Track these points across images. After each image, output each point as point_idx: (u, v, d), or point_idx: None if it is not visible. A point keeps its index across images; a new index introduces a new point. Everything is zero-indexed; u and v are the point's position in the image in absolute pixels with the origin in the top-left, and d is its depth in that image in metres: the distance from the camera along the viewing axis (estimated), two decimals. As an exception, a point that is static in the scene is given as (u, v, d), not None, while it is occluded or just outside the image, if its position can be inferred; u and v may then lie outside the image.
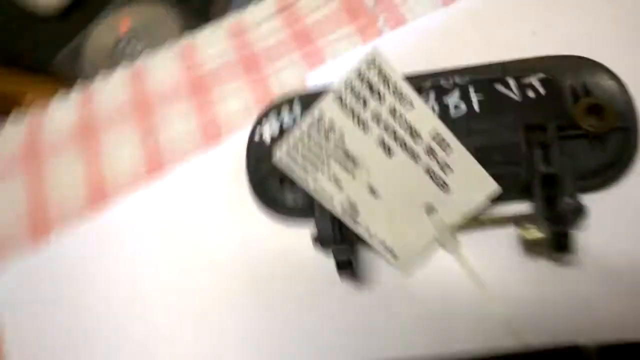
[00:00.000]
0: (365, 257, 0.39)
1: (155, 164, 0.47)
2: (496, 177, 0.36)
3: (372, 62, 0.31)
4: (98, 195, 0.46)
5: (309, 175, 0.33)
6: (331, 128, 0.32)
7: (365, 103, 0.32)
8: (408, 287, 0.38)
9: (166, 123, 0.48)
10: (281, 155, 0.32)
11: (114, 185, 0.47)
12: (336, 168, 0.34)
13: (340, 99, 0.32)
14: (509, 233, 0.38)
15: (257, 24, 0.51)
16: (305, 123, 0.32)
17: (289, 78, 0.47)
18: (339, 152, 0.33)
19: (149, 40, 0.87)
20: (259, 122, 0.43)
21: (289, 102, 0.43)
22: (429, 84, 0.39)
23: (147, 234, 0.45)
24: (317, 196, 0.34)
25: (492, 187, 0.36)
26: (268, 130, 0.43)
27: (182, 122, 0.48)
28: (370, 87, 0.32)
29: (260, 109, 0.44)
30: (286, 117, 0.42)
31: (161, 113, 0.49)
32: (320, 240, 0.37)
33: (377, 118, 0.33)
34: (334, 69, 0.46)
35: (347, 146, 0.33)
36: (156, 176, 0.46)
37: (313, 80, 0.46)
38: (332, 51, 0.48)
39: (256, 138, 0.43)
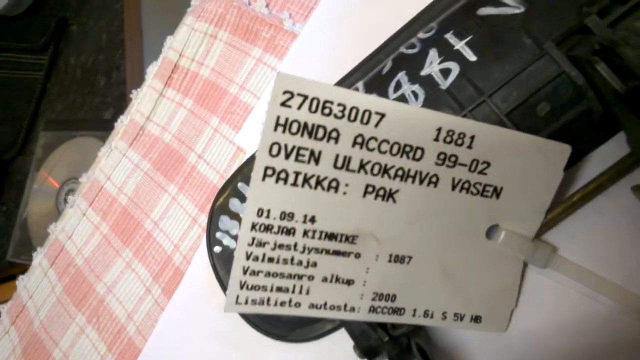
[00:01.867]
0: (439, 337, 0.26)
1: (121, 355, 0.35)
2: (556, 135, 0.23)
3: (287, 94, 0.18)
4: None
5: (294, 297, 0.21)
6: (285, 216, 0.20)
7: (312, 155, 0.19)
8: (514, 344, 0.25)
9: (111, 297, 0.36)
10: (231, 301, 0.19)
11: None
12: (328, 263, 0.21)
13: (273, 172, 0.19)
14: (617, 198, 0.24)
15: (149, 119, 0.39)
16: (246, 233, 0.20)
17: (220, 152, 0.35)
18: (317, 241, 0.21)
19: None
20: (210, 231, 0.31)
21: (233, 188, 0.30)
22: (389, 65, 0.26)
23: None
24: (323, 314, 0.21)
25: (558, 152, 0.22)
26: (226, 235, 0.30)
27: (129, 281, 0.36)
28: (307, 129, 0.19)
29: (206, 211, 0.32)
30: (238, 205, 0.30)
31: (101, 284, 0.37)
32: (367, 351, 0.24)
33: (342, 163, 0.20)
34: (263, 109, 0.34)
35: (324, 227, 0.20)
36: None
37: (245, 141, 0.34)
38: (250, 92, 0.35)
39: (216, 249, 0.31)
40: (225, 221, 0.31)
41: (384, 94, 0.26)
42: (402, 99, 0.25)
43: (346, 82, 0.29)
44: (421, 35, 0.26)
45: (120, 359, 0.34)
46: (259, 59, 0.36)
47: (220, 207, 0.31)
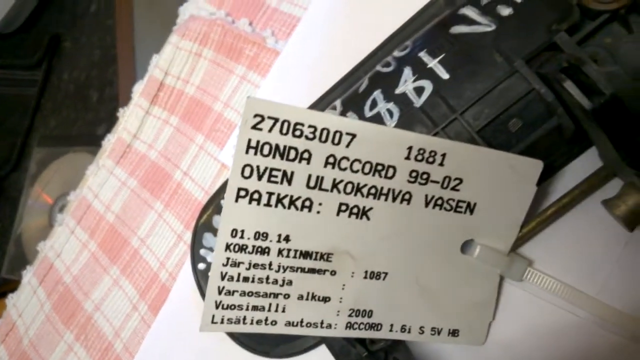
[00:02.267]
0: (419, 351, 0.27)
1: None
2: (529, 151, 0.23)
3: (258, 117, 0.19)
4: None
5: (270, 315, 0.21)
6: (260, 236, 0.20)
7: (285, 176, 0.20)
8: (492, 357, 0.25)
9: (99, 314, 0.36)
10: (206, 321, 0.20)
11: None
12: (303, 281, 0.21)
13: (246, 193, 0.19)
14: (590, 212, 0.25)
15: (136, 137, 0.40)
16: (220, 253, 0.20)
17: (205, 169, 0.35)
18: (292, 259, 0.21)
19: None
20: (194, 248, 0.31)
21: (216, 205, 0.31)
22: (365, 83, 0.27)
23: None
24: (300, 332, 0.22)
25: (530, 167, 0.23)
26: (210, 252, 0.31)
27: (116, 298, 0.36)
28: (278, 151, 0.19)
29: (191, 228, 0.32)
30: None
31: (89, 301, 0.37)
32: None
33: (314, 183, 0.20)
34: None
35: (298, 246, 0.21)
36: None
37: (229, 158, 0.34)
38: (233, 109, 0.36)
39: (200, 267, 0.31)
40: (208, 238, 0.31)
41: (360, 112, 0.26)
42: (378, 117, 0.25)
43: (325, 100, 0.30)
44: (396, 53, 0.27)
45: (108, 376, 0.34)
46: (242, 76, 0.36)
47: (204, 225, 0.31)
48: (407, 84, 0.25)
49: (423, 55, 0.26)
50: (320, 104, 0.30)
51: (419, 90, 0.25)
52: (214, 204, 0.31)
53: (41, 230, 0.88)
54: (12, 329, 0.41)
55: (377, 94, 0.26)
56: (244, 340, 0.29)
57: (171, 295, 0.33)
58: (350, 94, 0.28)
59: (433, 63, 0.25)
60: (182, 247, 0.34)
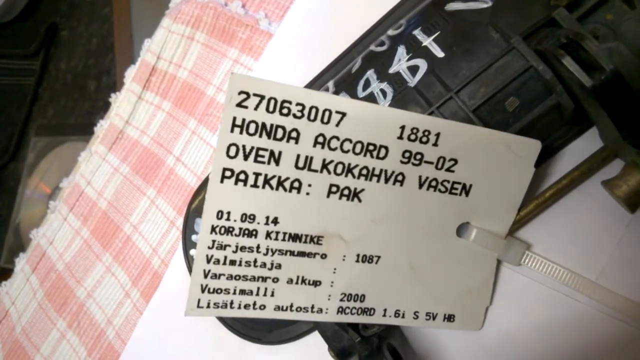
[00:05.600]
0: (414, 337, 0.26)
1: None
2: (526, 129, 0.22)
3: (243, 94, 0.18)
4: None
5: (258, 300, 0.20)
6: (247, 218, 0.20)
7: (272, 156, 0.19)
8: (489, 342, 0.25)
9: (91, 302, 0.36)
10: (192, 305, 0.19)
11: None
12: (292, 264, 0.21)
13: (231, 174, 0.19)
14: (590, 194, 0.24)
15: (128, 123, 0.39)
16: (205, 235, 0.19)
17: (197, 154, 0.34)
18: (281, 242, 0.20)
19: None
20: (185, 234, 0.31)
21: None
22: (358, 63, 0.26)
23: None
24: (290, 316, 0.21)
25: (528, 147, 0.22)
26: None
27: (108, 286, 0.35)
28: (265, 130, 0.19)
29: (183, 214, 0.32)
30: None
31: (82, 288, 0.36)
32: (340, 352, 0.24)
33: (303, 163, 0.20)
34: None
35: (287, 228, 0.20)
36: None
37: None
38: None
39: (192, 252, 0.31)
40: (200, 223, 0.30)
41: (353, 92, 0.25)
42: (371, 97, 0.25)
43: (318, 81, 0.29)
44: (390, 32, 0.26)
45: (100, 364, 0.34)
46: (235, 59, 0.35)
47: (196, 210, 0.31)
48: (401, 63, 0.24)
49: (417, 33, 0.25)
50: (314, 86, 0.29)
51: (413, 70, 0.24)
52: (205, 188, 0.30)
53: (39, 220, 0.88)
54: (5, 316, 0.40)
55: (371, 73, 0.25)
56: (236, 327, 0.29)
57: (163, 281, 0.33)
58: (343, 74, 0.27)
59: (428, 41, 0.24)
60: (174, 233, 0.34)
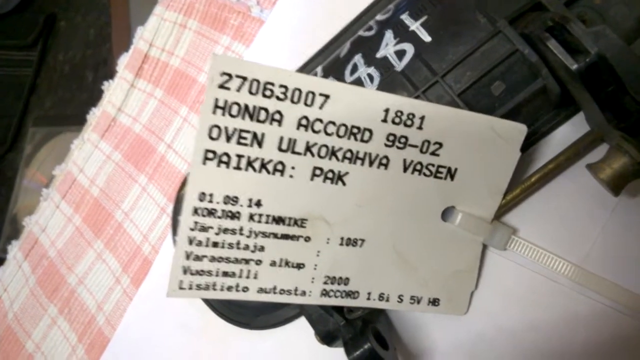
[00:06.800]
0: (400, 321, 0.26)
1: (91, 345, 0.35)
2: (512, 114, 0.22)
3: (225, 75, 0.18)
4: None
5: (241, 282, 0.20)
6: (229, 200, 0.20)
7: (255, 138, 0.19)
8: (474, 326, 0.25)
9: (82, 288, 0.36)
10: (173, 286, 0.19)
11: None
12: (276, 247, 0.21)
13: (214, 155, 0.19)
14: (576, 179, 0.24)
15: (121, 110, 0.39)
16: (187, 217, 0.19)
17: (189, 141, 0.34)
18: (264, 225, 0.20)
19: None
20: (175, 220, 0.31)
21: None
22: (346, 48, 0.26)
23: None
24: (273, 299, 0.21)
25: (513, 131, 0.22)
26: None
27: (99, 272, 0.35)
28: (248, 111, 0.19)
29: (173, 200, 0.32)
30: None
31: (73, 275, 0.37)
32: (325, 336, 0.24)
33: (287, 146, 0.20)
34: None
35: (270, 210, 0.20)
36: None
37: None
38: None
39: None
40: (189, 209, 0.30)
41: (340, 77, 0.25)
42: (358, 81, 0.25)
43: (307, 67, 0.29)
44: (379, 17, 0.26)
45: (90, 349, 0.34)
46: (227, 47, 0.35)
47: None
48: (388, 47, 0.24)
49: (405, 17, 0.25)
50: (303, 72, 0.29)
51: (400, 54, 0.24)
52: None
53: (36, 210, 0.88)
54: (-3, 303, 0.40)
55: (358, 58, 0.25)
56: (223, 312, 0.29)
57: (153, 268, 0.33)
58: (332, 60, 0.27)
59: (415, 25, 0.24)
60: (165, 220, 0.34)
